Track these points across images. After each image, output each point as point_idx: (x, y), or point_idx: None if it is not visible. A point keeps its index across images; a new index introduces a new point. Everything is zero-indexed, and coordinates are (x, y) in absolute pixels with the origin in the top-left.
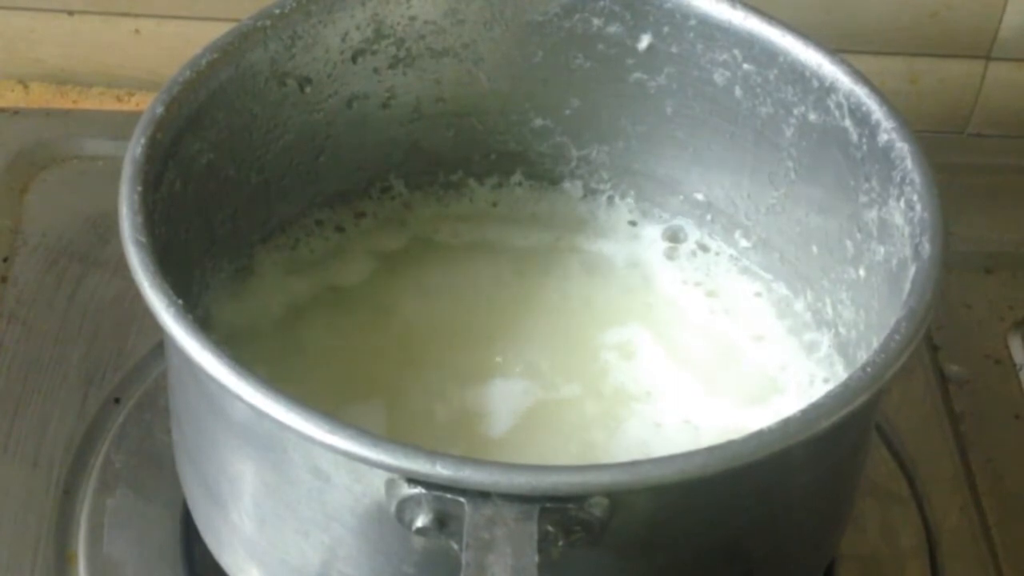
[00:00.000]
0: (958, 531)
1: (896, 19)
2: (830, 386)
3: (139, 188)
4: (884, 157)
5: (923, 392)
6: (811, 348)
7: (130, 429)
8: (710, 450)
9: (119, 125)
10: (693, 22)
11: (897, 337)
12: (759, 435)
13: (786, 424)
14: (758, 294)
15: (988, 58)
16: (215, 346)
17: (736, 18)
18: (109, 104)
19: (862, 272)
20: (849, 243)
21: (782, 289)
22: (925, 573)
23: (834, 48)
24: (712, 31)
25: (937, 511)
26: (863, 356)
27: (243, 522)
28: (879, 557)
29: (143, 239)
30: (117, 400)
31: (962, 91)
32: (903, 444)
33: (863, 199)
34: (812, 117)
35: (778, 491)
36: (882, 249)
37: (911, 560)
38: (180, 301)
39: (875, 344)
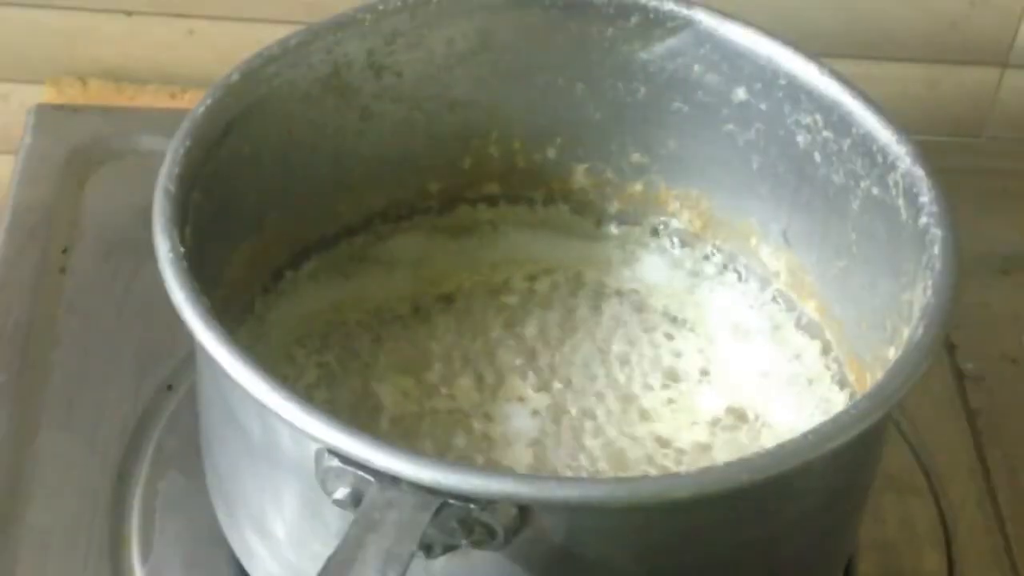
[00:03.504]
0: (973, 524)
1: (917, 27)
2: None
3: (171, 188)
4: (920, 240)
5: (941, 389)
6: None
7: (181, 415)
8: (619, 481)
9: (173, 123)
10: (783, 81)
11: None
12: (674, 477)
13: (707, 472)
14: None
15: (1005, 65)
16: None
17: (822, 83)
18: (163, 101)
19: (892, 353)
20: (888, 323)
21: (835, 355)
22: (941, 564)
23: (856, 55)
24: (798, 93)
25: (953, 504)
26: None
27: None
28: (897, 548)
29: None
30: (169, 387)
31: (979, 97)
32: (921, 439)
33: (903, 280)
34: (875, 192)
35: (708, 534)
36: (906, 333)
37: (928, 551)
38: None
39: None
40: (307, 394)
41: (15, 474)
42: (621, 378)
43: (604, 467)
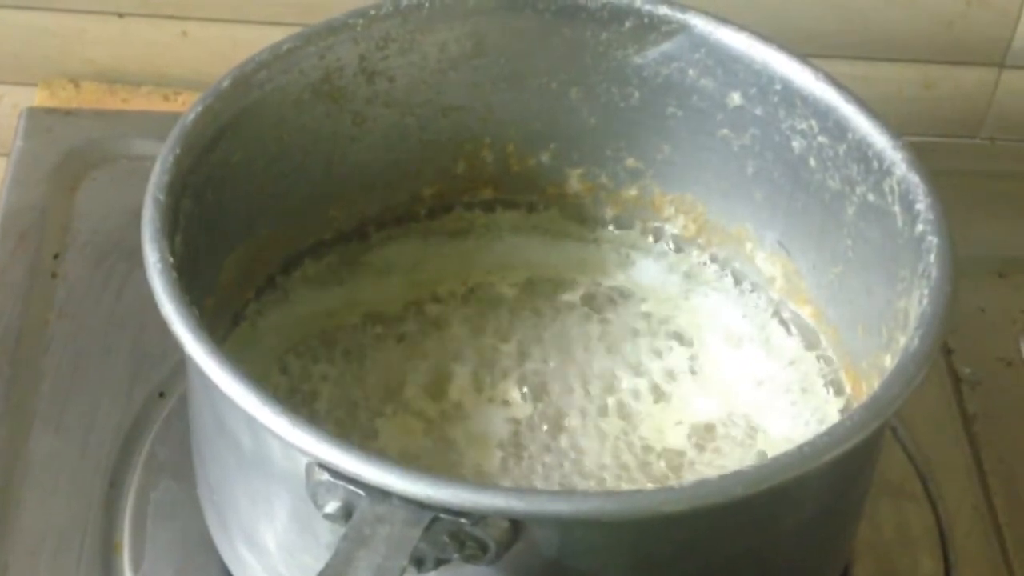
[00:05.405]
0: (970, 529)
1: (914, 28)
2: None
3: (160, 197)
4: (916, 247)
5: (937, 393)
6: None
7: (174, 422)
8: (612, 495)
9: (166, 126)
10: (778, 86)
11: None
12: (668, 490)
13: (701, 485)
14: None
15: (1002, 66)
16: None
17: (817, 88)
18: (157, 103)
19: (888, 361)
20: (884, 329)
21: (831, 362)
22: (938, 569)
23: (852, 55)
24: (794, 97)
25: (950, 508)
26: None
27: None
28: (893, 553)
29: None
30: (161, 394)
31: (976, 97)
32: (917, 444)
33: (899, 287)
34: (870, 198)
35: (703, 546)
36: (902, 340)
37: (924, 556)
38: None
39: None
40: (299, 402)
41: (6, 480)
42: (615, 383)
43: (596, 473)
